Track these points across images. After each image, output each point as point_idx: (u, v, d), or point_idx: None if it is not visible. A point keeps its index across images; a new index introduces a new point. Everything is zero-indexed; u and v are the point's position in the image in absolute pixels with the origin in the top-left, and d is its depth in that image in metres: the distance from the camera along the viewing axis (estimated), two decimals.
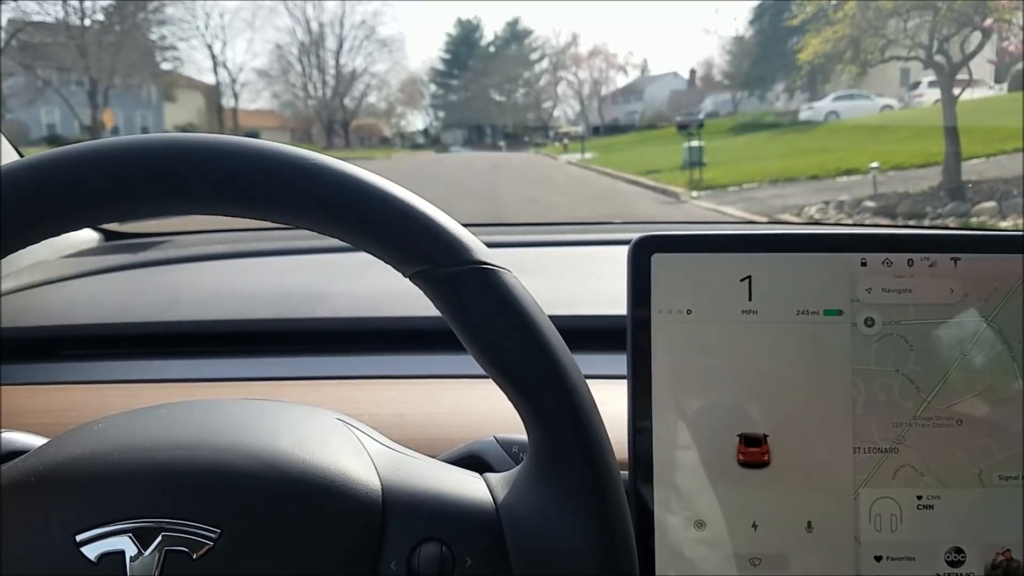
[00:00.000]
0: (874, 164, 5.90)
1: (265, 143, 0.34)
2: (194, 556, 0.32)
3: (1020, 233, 0.44)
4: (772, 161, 7.44)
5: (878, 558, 0.43)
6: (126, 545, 0.32)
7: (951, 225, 4.51)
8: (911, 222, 4.76)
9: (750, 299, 0.44)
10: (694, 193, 6.95)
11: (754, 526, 0.44)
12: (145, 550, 0.32)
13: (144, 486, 0.34)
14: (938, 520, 0.43)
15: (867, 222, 4.86)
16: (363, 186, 0.33)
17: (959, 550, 0.44)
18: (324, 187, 0.33)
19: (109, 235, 1.02)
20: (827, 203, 5.55)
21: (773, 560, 0.44)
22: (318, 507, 0.34)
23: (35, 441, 0.40)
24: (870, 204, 5.32)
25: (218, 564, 0.33)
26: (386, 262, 0.34)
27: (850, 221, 4.94)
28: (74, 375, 0.64)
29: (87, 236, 1.00)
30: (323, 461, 0.35)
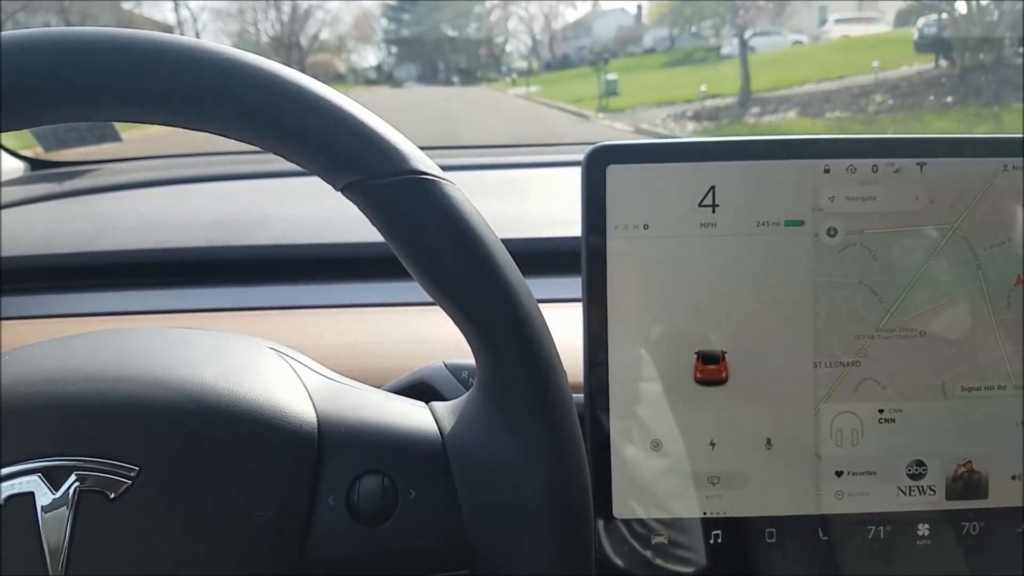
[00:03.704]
0: (703, 87, 7.73)
1: (175, 37, 0.28)
2: (111, 496, 0.28)
3: (988, 136, 0.40)
4: (672, 90, 8.76)
5: (839, 473, 0.41)
6: (35, 486, 0.28)
7: (724, 122, 6.49)
8: (707, 123, 6.67)
9: (709, 211, 0.40)
10: (600, 115, 8.58)
11: (712, 444, 0.41)
12: (56, 491, 0.28)
13: (53, 422, 0.29)
14: (900, 433, 0.41)
15: (677, 125, 6.72)
16: (288, 87, 0.28)
17: (920, 463, 0.41)
18: (243, 87, 0.27)
19: (35, 164, 0.92)
20: (668, 116, 7.24)
21: (732, 478, 0.41)
22: (246, 441, 0.30)
23: None
24: (689, 114, 7.14)
25: (138, 504, 0.29)
26: (314, 173, 0.29)
27: (674, 125, 6.75)
28: None
29: (12, 166, 0.91)
30: (251, 392, 0.31)
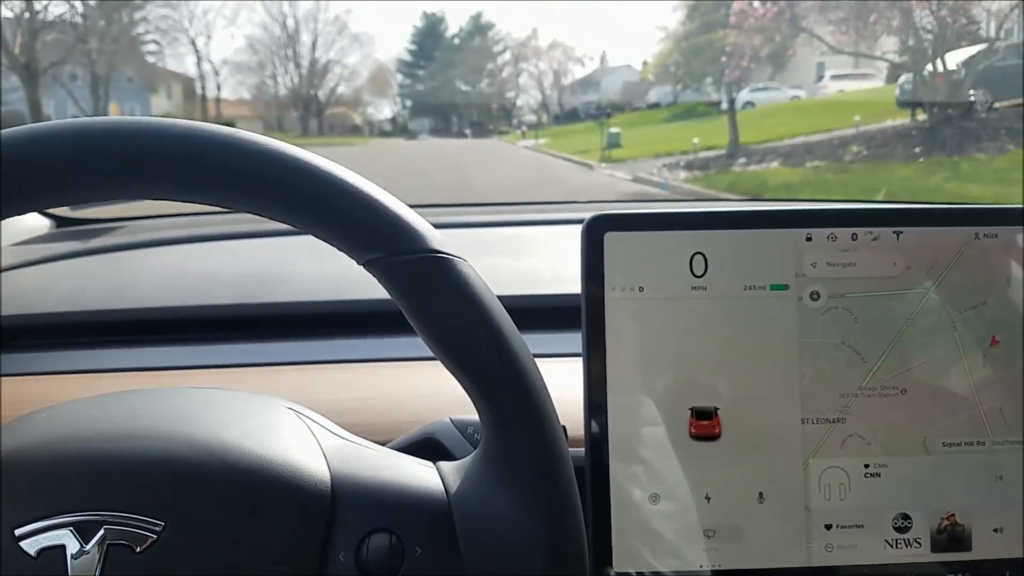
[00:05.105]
0: (695, 140, 8.16)
1: (217, 128, 0.31)
2: (137, 550, 0.30)
3: (960, 206, 0.43)
4: (671, 143, 9.10)
5: (828, 526, 0.42)
6: (67, 539, 0.30)
7: (712, 172, 6.86)
8: (698, 172, 7.20)
9: (700, 275, 0.42)
10: (603, 165, 8.99)
11: (707, 498, 0.42)
12: (87, 544, 0.30)
13: (85, 478, 0.31)
14: (885, 487, 0.42)
15: (671, 174, 7.19)
16: (316, 172, 0.31)
17: (906, 516, 0.42)
18: (276, 173, 0.30)
19: (60, 221, 0.95)
20: (664, 166, 7.77)
21: (727, 531, 0.42)
22: (265, 498, 0.32)
23: None
24: (681, 164, 7.71)
25: (162, 558, 0.30)
26: (339, 249, 0.32)
27: (668, 174, 7.26)
28: (23, 366, 0.59)
29: (37, 223, 0.93)
30: (270, 451, 0.33)
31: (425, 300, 0.31)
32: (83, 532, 0.30)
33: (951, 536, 0.42)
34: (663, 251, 0.42)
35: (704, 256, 0.42)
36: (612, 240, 0.42)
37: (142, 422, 0.34)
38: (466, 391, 0.32)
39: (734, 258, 0.42)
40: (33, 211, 0.31)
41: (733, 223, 0.42)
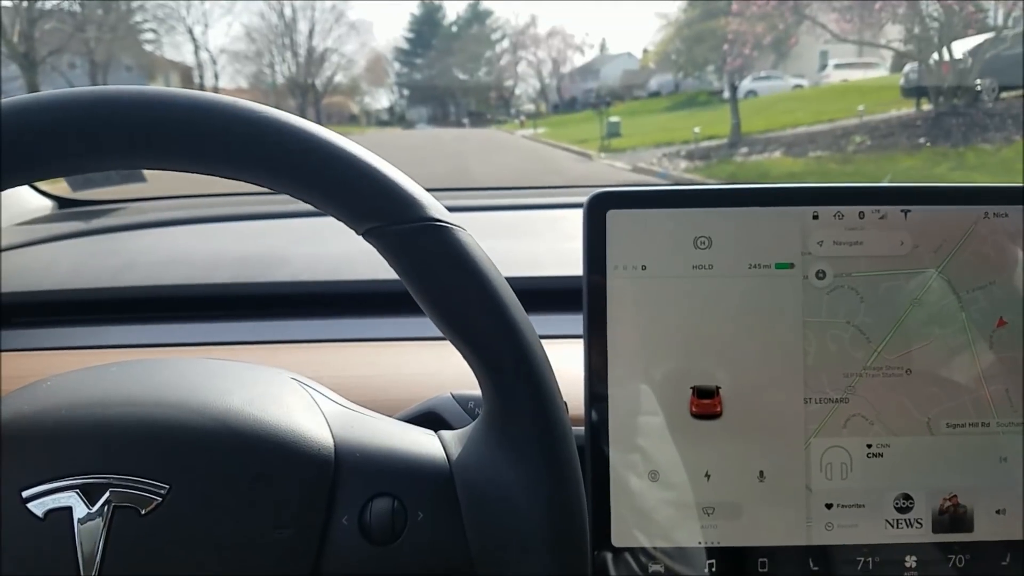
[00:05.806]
0: (696, 129, 8.20)
1: (218, 96, 0.31)
2: (142, 512, 0.31)
3: (969, 185, 0.43)
4: (672, 132, 9.08)
5: (829, 506, 0.42)
6: (73, 501, 0.31)
7: (714, 161, 6.81)
8: (699, 162, 7.10)
9: (703, 254, 0.42)
10: (602, 155, 8.98)
11: (707, 476, 0.42)
12: (92, 506, 0.31)
13: (92, 442, 0.32)
14: (887, 468, 0.42)
15: (672, 164, 7.15)
16: (315, 140, 0.31)
17: (907, 496, 0.42)
18: (275, 141, 0.30)
19: (63, 202, 0.95)
20: (665, 155, 7.62)
21: (726, 509, 0.42)
22: (269, 463, 0.32)
23: None
24: (682, 154, 7.60)
25: (166, 520, 0.31)
26: (338, 219, 0.32)
27: (668, 164, 7.19)
28: (27, 342, 0.60)
29: (40, 203, 0.94)
30: (274, 418, 0.33)
31: (424, 268, 0.31)
32: (89, 494, 0.31)
33: (953, 517, 0.42)
34: (667, 229, 0.42)
35: (708, 234, 0.42)
36: (615, 218, 0.42)
37: (148, 389, 0.34)
38: (466, 359, 0.33)
39: (739, 236, 0.42)
40: (34, 181, 0.31)
41: (738, 201, 0.42)
